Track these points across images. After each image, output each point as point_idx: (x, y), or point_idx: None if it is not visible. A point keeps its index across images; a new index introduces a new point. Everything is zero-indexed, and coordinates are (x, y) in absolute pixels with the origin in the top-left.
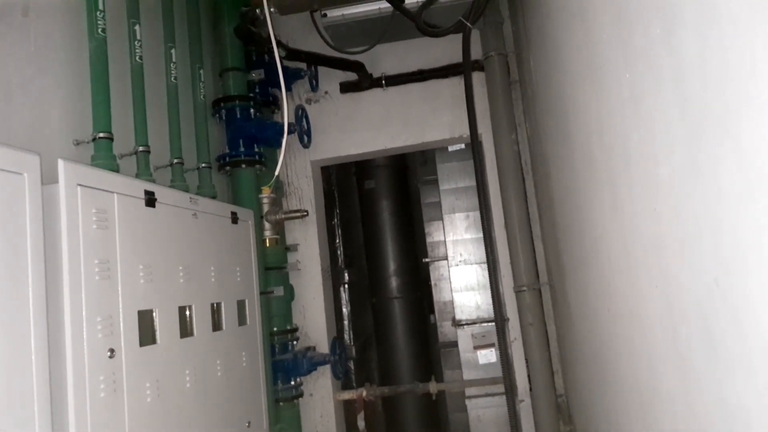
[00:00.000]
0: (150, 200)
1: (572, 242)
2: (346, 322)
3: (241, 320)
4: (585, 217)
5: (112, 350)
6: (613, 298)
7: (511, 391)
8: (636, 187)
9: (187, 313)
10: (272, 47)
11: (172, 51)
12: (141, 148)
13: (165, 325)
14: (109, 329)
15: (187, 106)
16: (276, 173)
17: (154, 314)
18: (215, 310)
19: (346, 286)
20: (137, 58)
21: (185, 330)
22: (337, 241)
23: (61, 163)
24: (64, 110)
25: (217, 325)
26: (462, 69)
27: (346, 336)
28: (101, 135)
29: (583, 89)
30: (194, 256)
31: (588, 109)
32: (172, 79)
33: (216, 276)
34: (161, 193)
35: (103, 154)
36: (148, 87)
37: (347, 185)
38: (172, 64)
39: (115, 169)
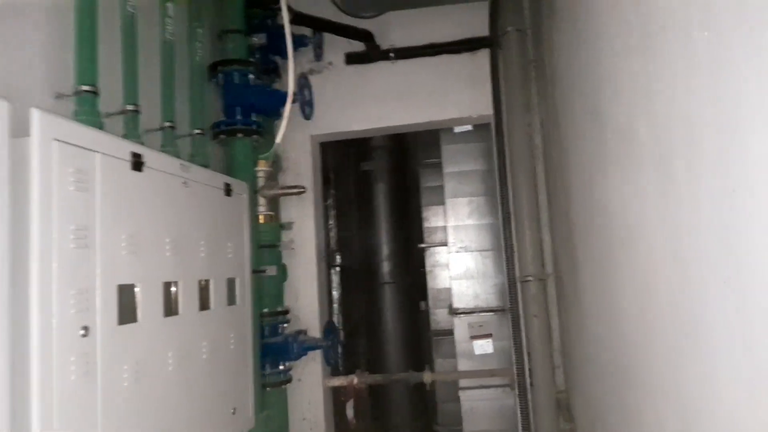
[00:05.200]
0: (137, 163)
1: (592, 233)
2: (336, 306)
3: (231, 299)
4: (615, 205)
5: (86, 328)
6: (650, 295)
7: (524, 383)
8: (702, 167)
9: (173, 289)
10: (278, 7)
11: (168, 5)
12: (130, 107)
13: (148, 302)
14: (83, 304)
15: (182, 67)
16: (278, 141)
17: (136, 289)
18: (203, 288)
19: (338, 269)
20: (129, 7)
21: (170, 308)
22: (331, 222)
23: (35, 113)
24: (45, 60)
25: (204, 304)
26: (477, 45)
27: (335, 320)
28: (85, 88)
29: (627, 60)
30: (183, 228)
31: (634, 82)
32: (168, 35)
33: (206, 251)
34: (150, 156)
35: (86, 109)
36: (140, 42)
37: (343, 165)
38: (167, 19)
39: (99, 127)
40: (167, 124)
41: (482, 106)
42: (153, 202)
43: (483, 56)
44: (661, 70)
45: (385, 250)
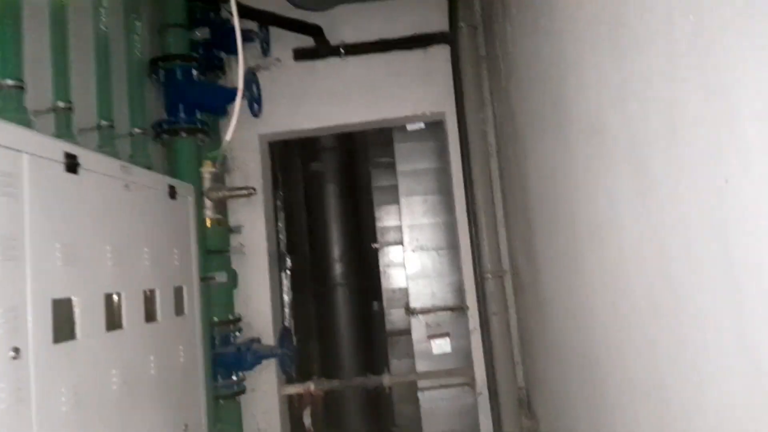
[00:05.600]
0: (71, 165)
1: (555, 228)
2: (287, 310)
3: (179, 309)
4: (581, 201)
5: (16, 349)
6: (624, 290)
7: (495, 382)
8: (687, 158)
9: (116, 301)
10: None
11: None
12: (62, 104)
13: (87, 316)
14: (12, 323)
15: (119, 63)
16: (227, 138)
17: (73, 303)
18: (149, 298)
19: (288, 272)
20: None
21: (113, 322)
22: (280, 224)
23: None
24: None
25: (150, 316)
26: (430, 41)
27: (287, 324)
28: (9, 83)
29: (596, 50)
30: (125, 234)
31: (603, 72)
32: (102, 27)
33: (150, 259)
34: (86, 157)
35: (11, 105)
36: (73, 34)
37: (291, 166)
38: (101, 10)
39: (28, 125)
40: (104, 122)
41: (436, 103)
42: (91, 207)
43: (436, 52)
44: (636, 58)
45: (336, 251)
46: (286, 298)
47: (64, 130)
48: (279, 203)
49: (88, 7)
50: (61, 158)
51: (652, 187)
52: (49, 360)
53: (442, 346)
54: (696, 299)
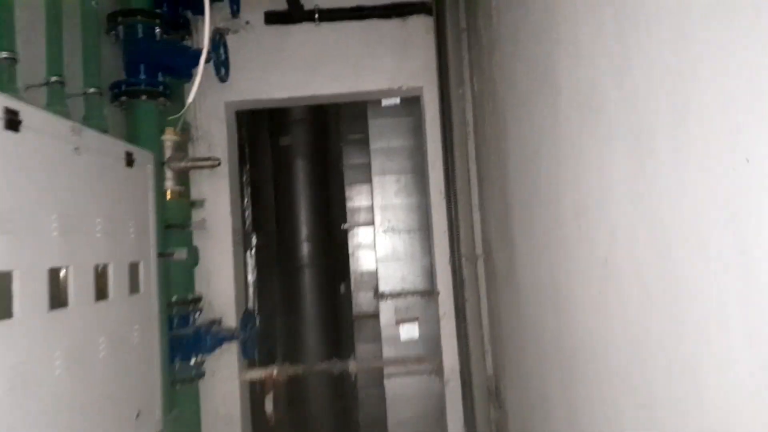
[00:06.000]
0: (12, 122)
1: (537, 212)
2: (251, 291)
3: (134, 287)
4: (568, 182)
5: None
6: (614, 279)
7: (467, 370)
8: (699, 136)
9: (62, 276)
10: None
11: None
12: (4, 55)
13: (27, 292)
14: None
15: (72, 14)
16: (189, 101)
17: (12, 278)
18: (100, 275)
19: (253, 251)
20: None
21: (57, 299)
22: (246, 200)
23: None
24: None
25: (101, 293)
26: (409, 10)
27: (250, 305)
28: None
29: (593, 17)
30: (75, 203)
31: (601, 40)
32: None
33: (103, 231)
34: (29, 114)
35: None
36: None
37: (259, 140)
38: None
39: None
40: (54, 78)
41: (413, 78)
42: (34, 171)
43: (414, 23)
44: (641, 24)
45: (304, 231)
46: (251, 277)
47: (5, 83)
48: (246, 178)
49: None
50: (0, 114)
51: (655, 167)
52: None
53: (410, 331)
54: (701, 289)
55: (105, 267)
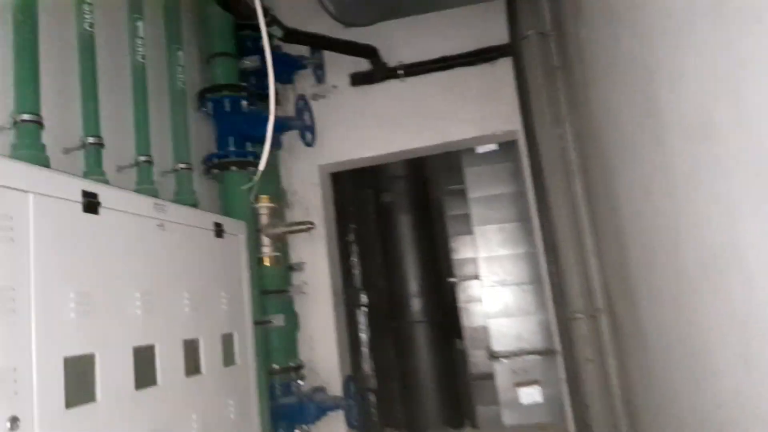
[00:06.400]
0: (90, 204)
1: (655, 256)
2: (365, 350)
3: (228, 359)
4: (687, 222)
5: (14, 419)
6: (762, 341)
7: None
8: None
9: (149, 355)
10: (271, 26)
11: (139, 24)
12: (91, 140)
13: (112, 374)
14: (10, 388)
15: (160, 95)
16: (258, 173)
17: (94, 360)
18: (191, 348)
19: (364, 309)
20: (87, 26)
21: (145, 378)
22: (353, 259)
23: None
24: None
25: (193, 368)
26: (494, 54)
27: (365, 366)
28: (24, 117)
29: (693, 35)
30: (159, 278)
31: (709, 59)
32: (139, 57)
33: (191, 304)
34: (108, 195)
35: (27, 142)
36: (102, 64)
37: (363, 198)
38: (138, 40)
39: (43, 163)
40: (142, 158)
41: (506, 121)
42: (115, 250)
43: (503, 66)
44: (752, 30)
45: (413, 285)
46: (363, 336)
47: (93, 166)
48: (352, 237)
49: (124, 38)
50: (78, 197)
51: None
52: (59, 429)
53: (532, 395)
54: None
55: (195, 341)
